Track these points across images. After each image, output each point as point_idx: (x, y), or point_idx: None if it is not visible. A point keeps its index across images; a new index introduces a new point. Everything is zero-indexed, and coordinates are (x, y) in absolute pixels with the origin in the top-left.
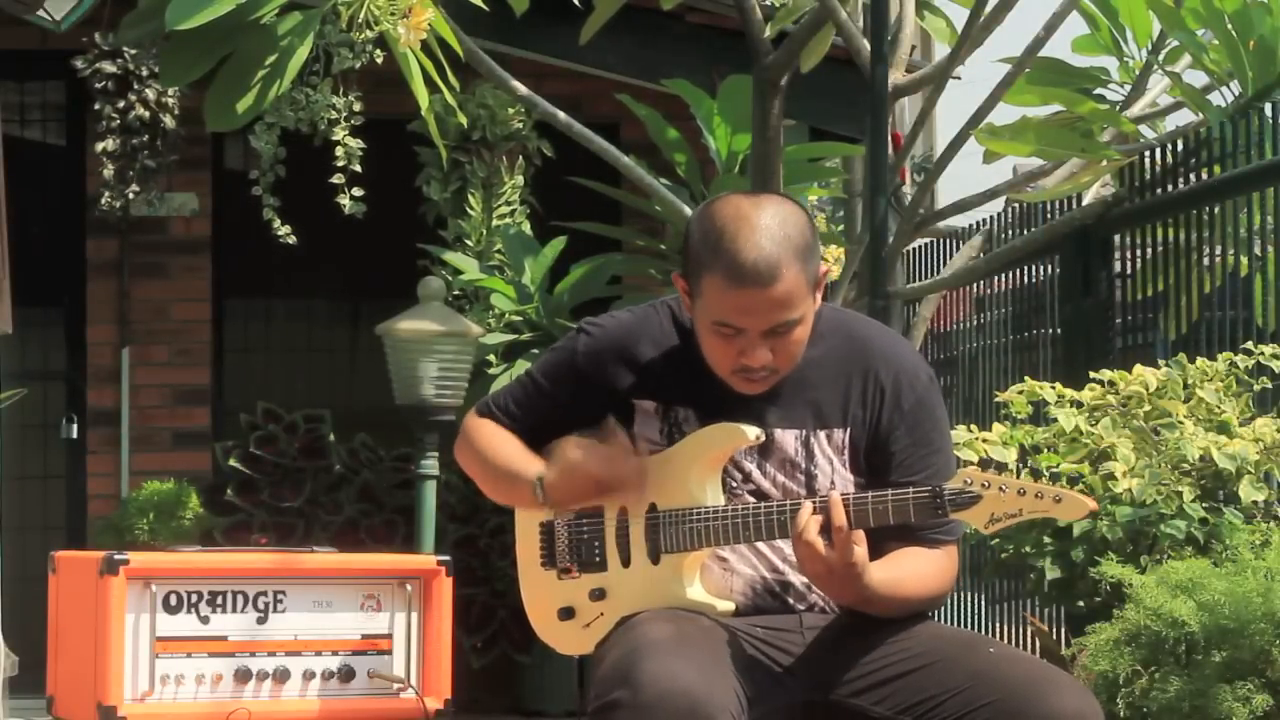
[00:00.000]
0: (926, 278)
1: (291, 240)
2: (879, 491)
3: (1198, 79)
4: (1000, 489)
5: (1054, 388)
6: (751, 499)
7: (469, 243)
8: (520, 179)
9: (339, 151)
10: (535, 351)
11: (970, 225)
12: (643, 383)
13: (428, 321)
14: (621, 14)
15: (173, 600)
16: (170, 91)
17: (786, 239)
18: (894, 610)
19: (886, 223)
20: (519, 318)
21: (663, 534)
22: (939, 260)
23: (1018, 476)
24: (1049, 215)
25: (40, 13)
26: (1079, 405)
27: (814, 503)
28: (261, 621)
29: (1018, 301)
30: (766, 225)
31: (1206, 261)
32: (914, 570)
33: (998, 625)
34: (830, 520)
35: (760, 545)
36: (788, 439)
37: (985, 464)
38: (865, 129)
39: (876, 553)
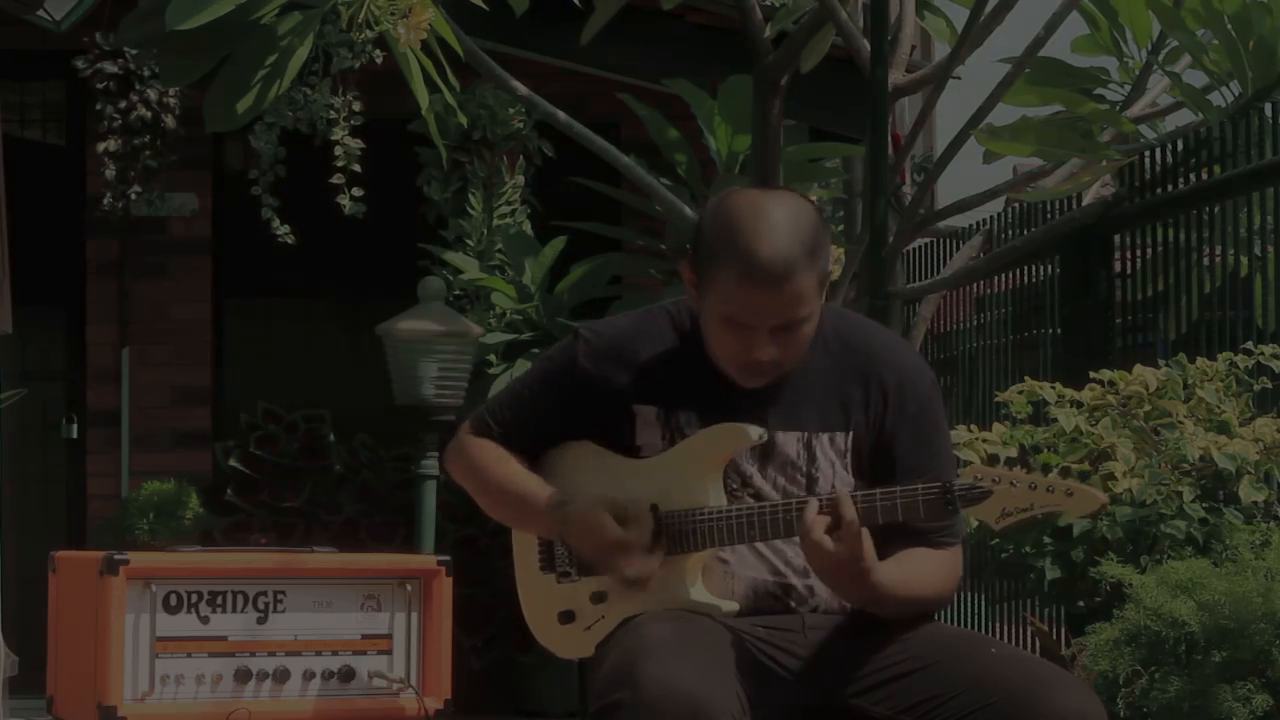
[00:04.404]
0: (926, 278)
1: (291, 240)
2: (888, 489)
3: (1198, 79)
4: (1011, 484)
5: (1054, 388)
6: (751, 502)
7: (469, 243)
8: (520, 179)
9: (338, 151)
10: (535, 351)
11: (970, 225)
12: (643, 388)
13: (428, 321)
14: (622, 14)
15: (173, 600)
16: (171, 91)
17: (800, 238)
18: (901, 610)
19: (886, 223)
20: (519, 317)
21: (664, 535)
22: (939, 260)
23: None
24: (1049, 215)
25: (40, 13)
26: (1079, 405)
27: (821, 500)
28: (261, 621)
29: (1018, 301)
30: (781, 223)
31: (1206, 261)
32: (921, 570)
33: (998, 625)
34: (839, 516)
35: (761, 547)
36: (789, 441)
37: (993, 460)
38: (865, 129)
39: (881, 555)
